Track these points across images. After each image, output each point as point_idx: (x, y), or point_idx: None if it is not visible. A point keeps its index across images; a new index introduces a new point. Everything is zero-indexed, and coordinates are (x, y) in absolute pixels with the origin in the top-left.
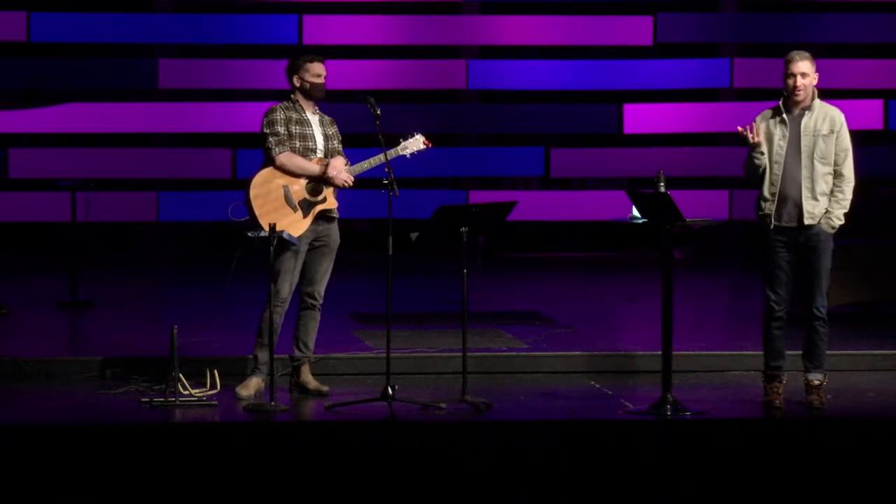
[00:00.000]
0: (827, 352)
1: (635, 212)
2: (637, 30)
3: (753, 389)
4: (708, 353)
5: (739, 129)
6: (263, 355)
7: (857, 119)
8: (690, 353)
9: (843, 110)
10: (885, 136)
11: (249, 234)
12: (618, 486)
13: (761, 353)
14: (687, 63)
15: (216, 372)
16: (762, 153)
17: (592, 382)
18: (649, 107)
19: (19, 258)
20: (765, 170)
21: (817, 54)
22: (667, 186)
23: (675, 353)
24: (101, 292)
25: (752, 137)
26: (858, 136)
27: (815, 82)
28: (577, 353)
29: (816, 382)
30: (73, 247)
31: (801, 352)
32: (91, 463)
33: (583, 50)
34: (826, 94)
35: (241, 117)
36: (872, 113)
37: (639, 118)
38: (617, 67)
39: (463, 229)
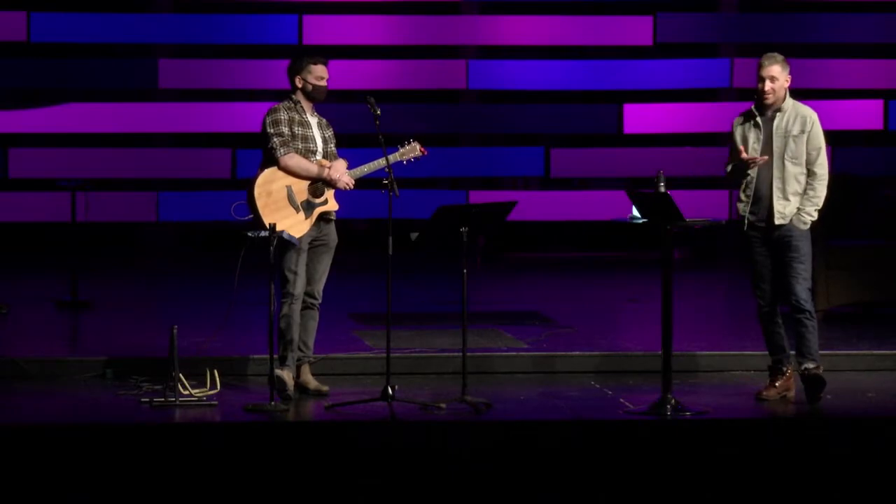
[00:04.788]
0: (829, 351)
1: (635, 212)
2: (637, 30)
3: (753, 389)
4: (708, 353)
5: (745, 156)
6: (285, 350)
7: (857, 119)
8: (690, 353)
9: (843, 110)
10: (885, 136)
11: (249, 234)
12: (618, 486)
13: (761, 353)
14: (687, 63)
15: (216, 372)
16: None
17: (592, 382)
18: (649, 107)
19: (19, 258)
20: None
21: (817, 54)
22: (667, 186)
23: (675, 353)
24: (101, 292)
25: (748, 158)
26: (858, 136)
27: (786, 85)
28: (577, 353)
29: (812, 366)
30: (73, 247)
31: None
32: (91, 463)
33: (583, 50)
34: (826, 94)
35: (241, 117)
36: (872, 113)
37: (639, 118)
38: (617, 67)
39: (463, 229)
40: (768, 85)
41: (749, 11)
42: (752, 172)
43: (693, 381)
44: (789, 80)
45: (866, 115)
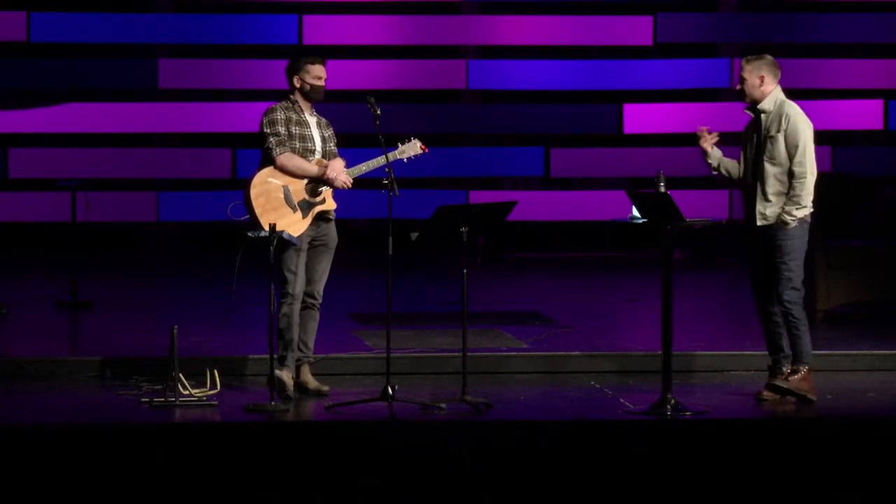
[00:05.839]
0: (829, 351)
1: (635, 212)
2: (637, 30)
3: (753, 389)
4: (708, 353)
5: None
6: (285, 351)
7: (857, 119)
8: (690, 353)
9: (843, 110)
10: (885, 136)
11: (249, 234)
12: (618, 486)
13: (761, 353)
14: (687, 63)
15: (216, 372)
16: (709, 162)
17: (592, 382)
18: (649, 107)
19: (19, 258)
20: (720, 157)
21: (817, 54)
22: (667, 186)
23: (675, 353)
24: (101, 292)
25: (703, 140)
26: (858, 136)
27: (758, 83)
28: (577, 353)
29: (796, 367)
30: (73, 247)
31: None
32: (91, 463)
33: (583, 50)
34: (826, 94)
35: (241, 117)
36: (872, 113)
37: (639, 118)
38: (617, 67)
39: (463, 229)
40: (738, 85)
41: (749, 11)
42: (747, 173)
43: (693, 381)
44: (764, 78)
45: (866, 115)
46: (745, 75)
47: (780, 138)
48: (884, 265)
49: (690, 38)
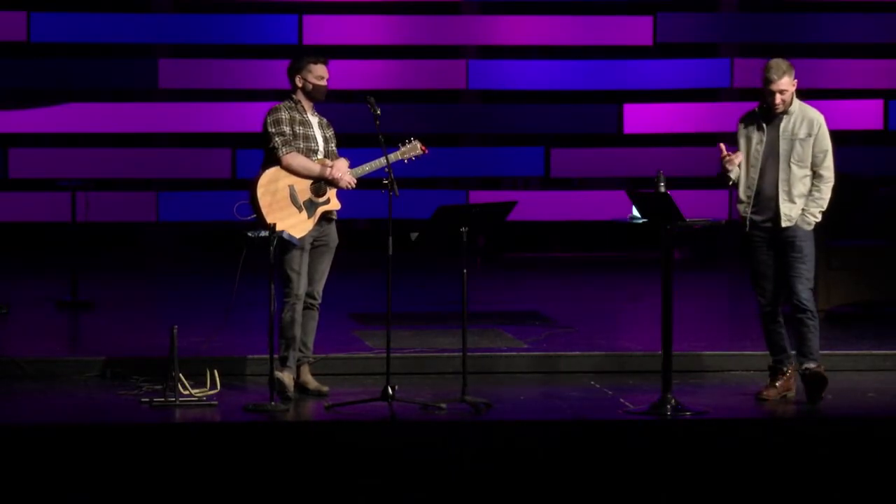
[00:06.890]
0: (829, 351)
1: (635, 212)
2: (637, 30)
3: (753, 389)
4: (708, 353)
5: (723, 153)
6: (286, 350)
7: (857, 119)
8: (690, 353)
9: (843, 110)
10: (885, 136)
11: (249, 235)
12: (618, 486)
13: (761, 353)
14: (687, 63)
15: (216, 372)
16: (730, 177)
17: (592, 382)
18: (649, 107)
19: (19, 258)
20: (739, 172)
21: (817, 54)
22: (667, 186)
23: (675, 353)
24: (101, 292)
25: (728, 160)
26: (858, 136)
27: (793, 90)
28: (577, 353)
29: (812, 365)
30: (73, 247)
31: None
32: (91, 463)
33: (583, 50)
34: (826, 94)
35: (241, 117)
36: (872, 113)
37: (639, 118)
38: (617, 67)
39: (463, 229)
40: (779, 98)
41: (749, 11)
42: (754, 174)
43: (693, 381)
44: (796, 83)
45: (866, 115)
46: (786, 87)
47: (810, 142)
48: (884, 265)
49: (690, 38)
